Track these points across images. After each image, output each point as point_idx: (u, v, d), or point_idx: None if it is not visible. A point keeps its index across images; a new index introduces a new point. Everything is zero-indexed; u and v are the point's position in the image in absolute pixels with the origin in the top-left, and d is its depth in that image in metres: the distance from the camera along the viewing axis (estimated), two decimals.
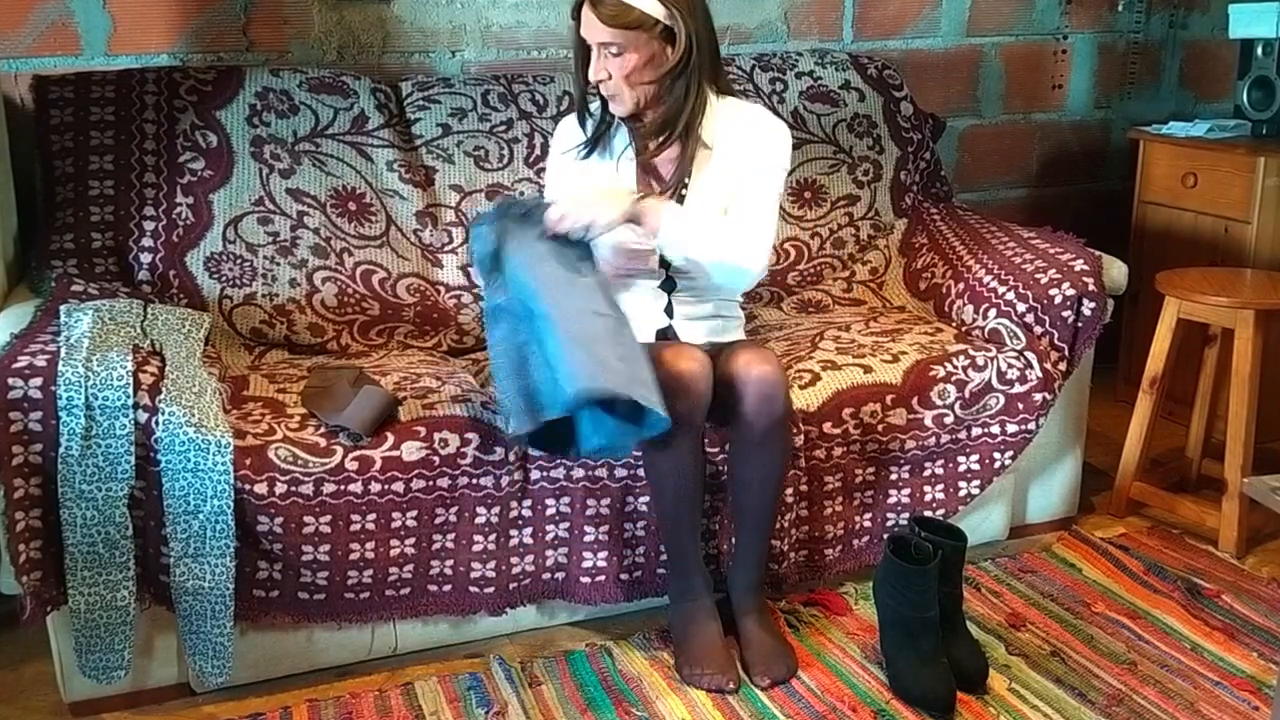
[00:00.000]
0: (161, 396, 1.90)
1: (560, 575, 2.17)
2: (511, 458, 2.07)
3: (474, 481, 2.06)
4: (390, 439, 2.02)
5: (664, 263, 2.19)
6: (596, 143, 2.24)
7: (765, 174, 2.15)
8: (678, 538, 2.11)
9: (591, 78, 2.13)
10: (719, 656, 2.07)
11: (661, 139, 2.16)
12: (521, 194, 2.29)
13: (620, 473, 2.13)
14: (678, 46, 2.09)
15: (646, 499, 2.15)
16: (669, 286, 2.22)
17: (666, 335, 2.23)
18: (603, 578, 2.17)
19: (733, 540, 2.18)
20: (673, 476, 2.06)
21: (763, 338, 2.55)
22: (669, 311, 2.22)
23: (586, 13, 2.08)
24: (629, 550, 2.19)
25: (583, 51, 2.15)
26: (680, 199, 2.18)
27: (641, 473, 2.13)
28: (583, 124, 2.25)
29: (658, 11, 2.05)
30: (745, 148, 2.17)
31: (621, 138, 2.24)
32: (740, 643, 2.13)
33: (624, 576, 2.19)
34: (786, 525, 2.24)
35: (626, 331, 1.91)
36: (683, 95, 2.13)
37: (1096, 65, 3.53)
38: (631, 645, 2.19)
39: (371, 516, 2.01)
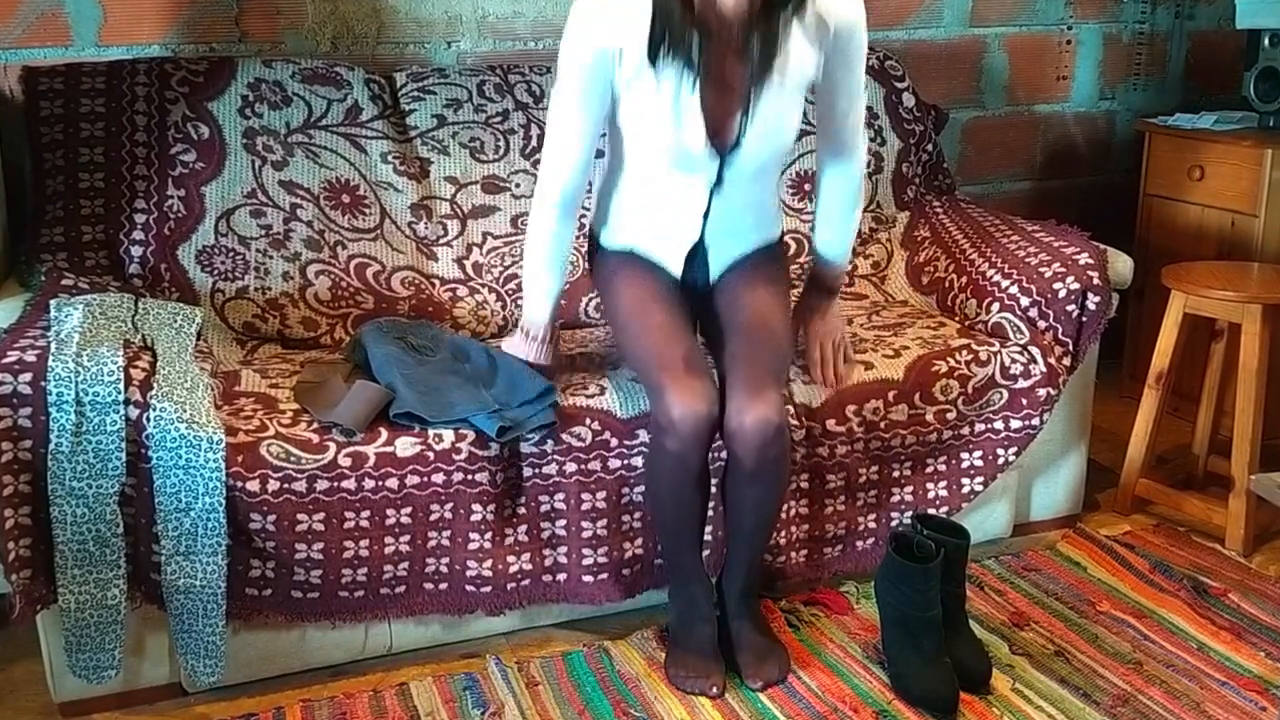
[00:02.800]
0: (153, 392, 1.88)
1: (561, 576, 2.14)
2: (505, 454, 2.04)
3: (469, 477, 2.03)
4: (384, 434, 2.00)
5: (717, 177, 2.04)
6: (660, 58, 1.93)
7: (859, 81, 2.18)
8: (677, 554, 2.08)
9: None
10: (705, 662, 2.04)
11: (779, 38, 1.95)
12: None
13: (614, 464, 2.11)
14: None
15: (642, 489, 2.12)
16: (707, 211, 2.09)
17: (694, 252, 2.12)
18: (604, 575, 2.14)
19: (725, 551, 2.15)
20: (673, 505, 2.03)
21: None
22: (706, 216, 2.09)
23: None
24: (628, 544, 2.16)
25: None
26: (746, 111, 2.01)
27: (635, 463, 2.11)
28: (667, 38, 1.91)
29: None
30: (830, 42, 2.07)
31: (675, 67, 1.94)
32: (734, 646, 2.09)
33: (625, 571, 2.16)
34: (787, 522, 2.21)
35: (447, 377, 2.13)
36: None
37: (1101, 56, 3.49)
38: (630, 645, 2.16)
39: (365, 513, 1.98)
